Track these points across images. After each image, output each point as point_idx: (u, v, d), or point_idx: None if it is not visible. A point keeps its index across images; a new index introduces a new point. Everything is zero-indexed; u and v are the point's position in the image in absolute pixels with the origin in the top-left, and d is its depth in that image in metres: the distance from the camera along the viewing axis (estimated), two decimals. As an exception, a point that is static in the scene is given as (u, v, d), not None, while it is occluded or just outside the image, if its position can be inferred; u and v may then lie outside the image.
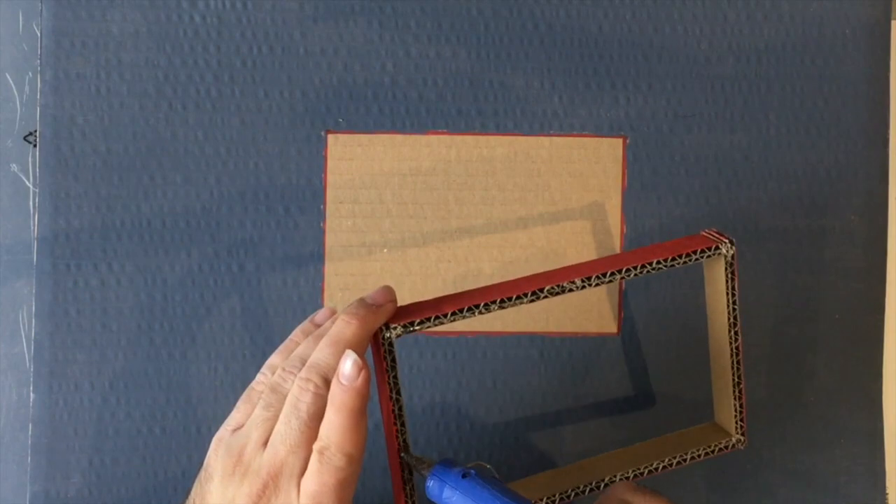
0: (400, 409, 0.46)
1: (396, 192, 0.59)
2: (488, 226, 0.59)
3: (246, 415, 0.45)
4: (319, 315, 0.49)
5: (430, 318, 0.46)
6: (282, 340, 0.48)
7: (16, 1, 0.59)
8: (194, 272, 0.58)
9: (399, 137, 0.59)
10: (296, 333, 0.48)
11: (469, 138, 0.59)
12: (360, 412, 0.43)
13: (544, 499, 0.50)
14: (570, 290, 0.48)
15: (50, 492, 0.57)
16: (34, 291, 0.57)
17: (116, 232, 0.58)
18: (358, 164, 0.59)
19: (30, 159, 0.60)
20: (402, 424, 0.46)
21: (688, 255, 0.49)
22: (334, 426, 0.42)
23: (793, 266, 0.60)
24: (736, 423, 0.53)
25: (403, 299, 0.47)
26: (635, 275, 0.48)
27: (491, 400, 0.59)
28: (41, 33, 0.58)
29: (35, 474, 0.57)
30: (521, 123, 0.59)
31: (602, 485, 0.50)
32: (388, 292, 0.46)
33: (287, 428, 0.43)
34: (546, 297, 0.47)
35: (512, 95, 0.59)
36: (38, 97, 0.57)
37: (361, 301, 0.46)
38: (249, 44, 0.58)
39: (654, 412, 0.60)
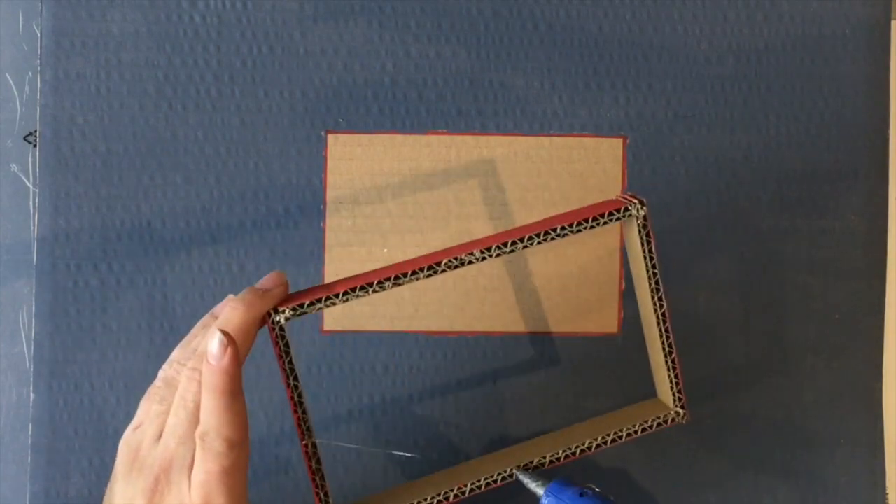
0: (300, 395, 0.45)
1: (396, 192, 0.59)
2: (488, 226, 0.59)
3: (147, 412, 0.44)
4: (218, 308, 0.48)
5: (321, 298, 0.45)
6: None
7: (16, 1, 0.59)
8: (194, 272, 0.58)
9: (399, 137, 0.59)
10: (196, 328, 0.47)
11: (469, 138, 0.59)
12: (231, 392, 0.42)
13: (471, 483, 0.48)
14: (470, 263, 0.45)
15: (50, 492, 0.57)
16: (34, 291, 0.57)
17: (116, 232, 0.58)
18: (358, 164, 0.58)
19: (30, 159, 0.60)
20: (304, 412, 0.45)
21: (595, 218, 0.46)
22: (208, 409, 0.41)
23: (793, 266, 0.60)
24: (673, 395, 0.51)
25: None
26: (538, 242, 0.46)
27: (491, 400, 0.59)
28: (41, 33, 0.58)
29: (35, 474, 0.57)
30: (521, 123, 0.59)
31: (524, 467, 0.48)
32: (278, 277, 0.46)
33: (176, 420, 0.42)
34: (444, 270, 0.45)
35: (512, 95, 0.59)
36: (38, 97, 0.57)
37: (250, 288, 0.45)
38: (249, 44, 0.58)
39: (654, 412, 0.60)
